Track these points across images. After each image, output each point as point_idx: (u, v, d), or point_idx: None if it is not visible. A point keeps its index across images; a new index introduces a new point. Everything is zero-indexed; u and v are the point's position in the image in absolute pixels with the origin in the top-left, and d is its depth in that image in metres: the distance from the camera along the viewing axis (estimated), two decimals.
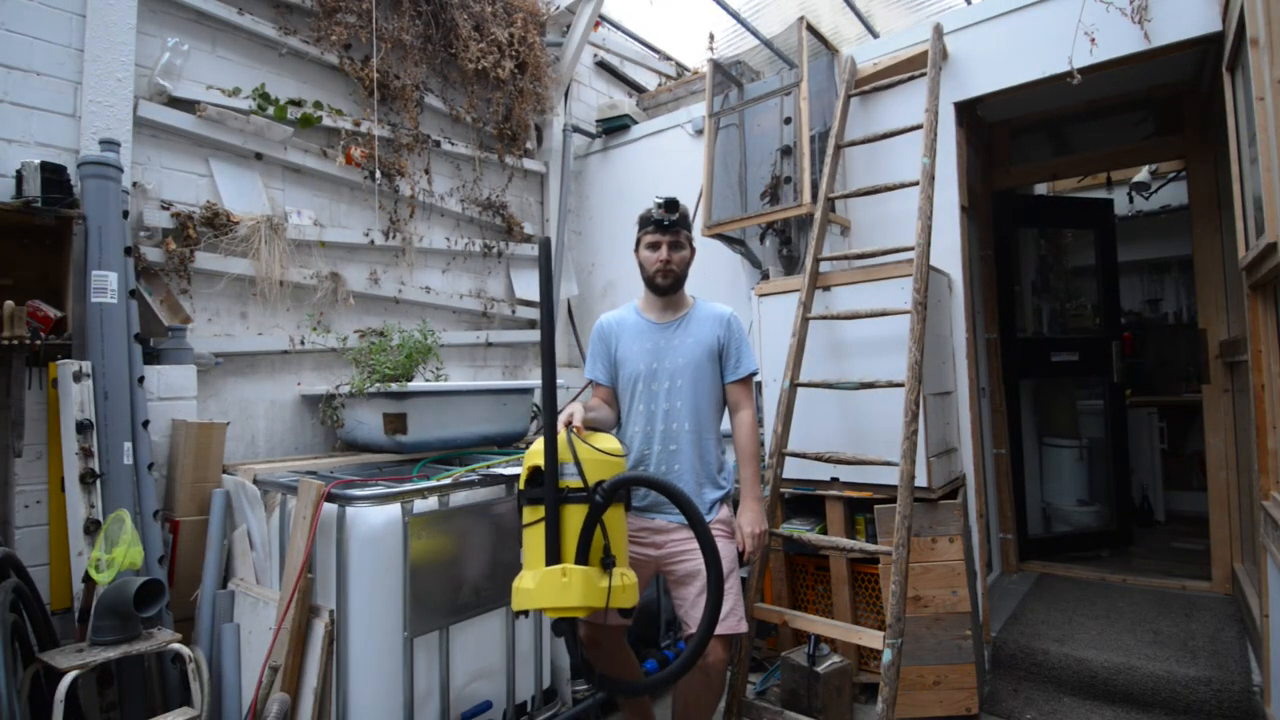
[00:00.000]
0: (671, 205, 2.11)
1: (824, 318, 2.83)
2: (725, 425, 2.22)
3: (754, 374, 2.21)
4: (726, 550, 2.02)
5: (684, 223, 2.16)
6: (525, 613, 2.03)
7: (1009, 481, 3.95)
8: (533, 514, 1.73)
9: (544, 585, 1.64)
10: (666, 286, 2.15)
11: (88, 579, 2.04)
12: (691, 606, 2.03)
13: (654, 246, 2.13)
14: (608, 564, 1.69)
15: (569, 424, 1.82)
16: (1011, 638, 2.92)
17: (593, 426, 1.96)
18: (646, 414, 2.13)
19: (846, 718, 2.51)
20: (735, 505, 2.19)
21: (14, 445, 2.20)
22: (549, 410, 1.74)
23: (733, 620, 1.99)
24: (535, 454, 1.75)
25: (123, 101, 2.57)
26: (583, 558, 1.66)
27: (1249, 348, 2.35)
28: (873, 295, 2.76)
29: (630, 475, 1.87)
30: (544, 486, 1.69)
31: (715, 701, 2.07)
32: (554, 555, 1.67)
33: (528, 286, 4.22)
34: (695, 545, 1.96)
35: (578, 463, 1.72)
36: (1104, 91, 3.62)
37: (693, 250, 2.21)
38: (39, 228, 2.22)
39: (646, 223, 2.16)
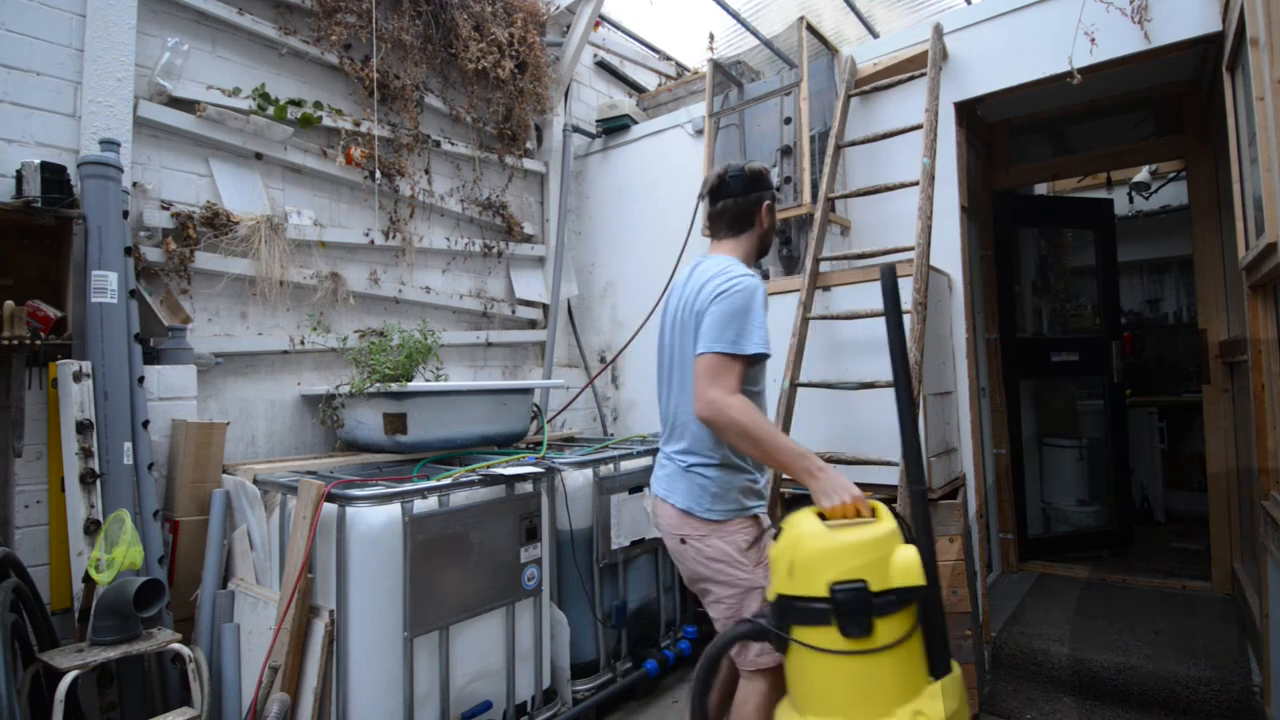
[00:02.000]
0: None
1: (824, 318, 2.83)
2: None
3: None
4: None
5: None
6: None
7: (1009, 481, 3.95)
8: (890, 631, 1.35)
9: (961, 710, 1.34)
10: None
11: (88, 579, 2.05)
12: None
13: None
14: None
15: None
16: (1011, 638, 2.92)
17: None
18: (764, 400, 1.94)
19: None
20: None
21: (14, 445, 2.20)
22: (916, 477, 1.50)
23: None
24: (888, 554, 1.43)
25: (123, 101, 2.56)
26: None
27: (1249, 348, 2.35)
28: (873, 295, 2.75)
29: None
30: (925, 588, 1.40)
31: None
32: (945, 663, 1.38)
33: (527, 286, 4.22)
34: None
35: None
36: (1104, 91, 3.62)
37: None
38: (39, 228, 2.22)
39: (771, 185, 1.99)
